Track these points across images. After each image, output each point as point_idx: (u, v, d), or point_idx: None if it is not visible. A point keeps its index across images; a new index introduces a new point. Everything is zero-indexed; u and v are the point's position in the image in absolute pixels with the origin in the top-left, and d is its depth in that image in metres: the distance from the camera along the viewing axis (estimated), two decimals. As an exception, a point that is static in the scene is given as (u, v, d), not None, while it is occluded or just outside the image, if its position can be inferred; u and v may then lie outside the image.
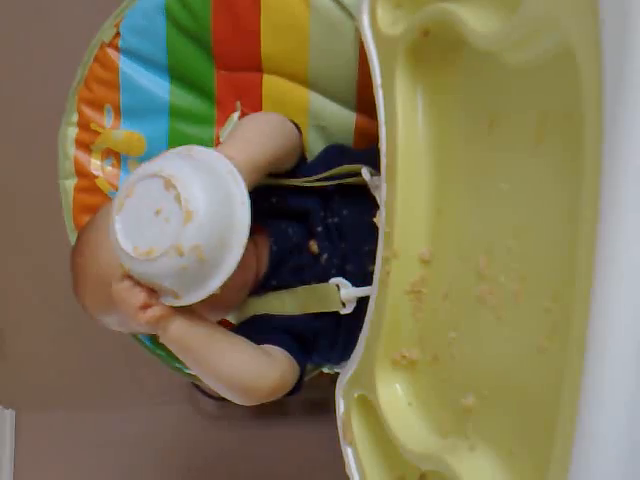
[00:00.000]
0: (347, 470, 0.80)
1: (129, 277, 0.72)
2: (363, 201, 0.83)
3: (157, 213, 0.69)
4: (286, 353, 0.83)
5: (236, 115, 0.94)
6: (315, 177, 0.87)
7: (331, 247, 0.86)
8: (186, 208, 0.68)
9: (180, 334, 0.74)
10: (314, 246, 0.87)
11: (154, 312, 0.72)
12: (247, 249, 0.72)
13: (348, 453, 0.80)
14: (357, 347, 0.80)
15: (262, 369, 0.79)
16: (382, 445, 0.75)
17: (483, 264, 0.62)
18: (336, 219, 0.87)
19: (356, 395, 0.79)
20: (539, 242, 0.55)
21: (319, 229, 0.87)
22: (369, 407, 0.76)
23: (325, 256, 0.86)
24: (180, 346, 0.76)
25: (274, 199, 0.89)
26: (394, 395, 0.73)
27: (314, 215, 0.88)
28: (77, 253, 0.87)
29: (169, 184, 0.69)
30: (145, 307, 0.72)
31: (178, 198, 0.68)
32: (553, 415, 0.46)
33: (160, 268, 0.70)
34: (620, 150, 0.42)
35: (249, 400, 0.80)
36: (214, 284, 0.72)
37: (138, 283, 0.72)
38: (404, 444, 0.68)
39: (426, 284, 0.71)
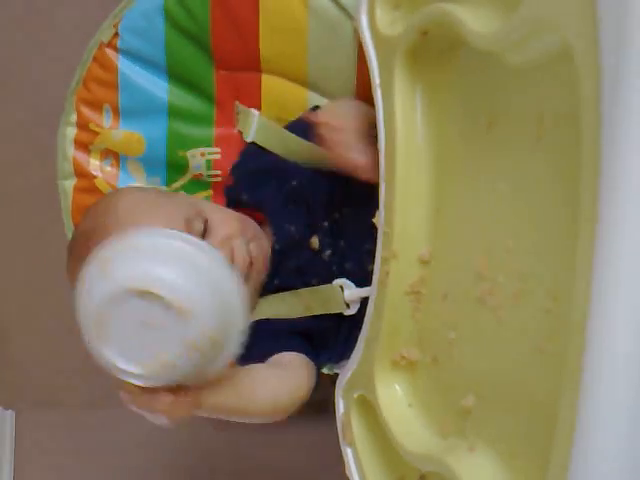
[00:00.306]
0: (347, 471, 0.80)
1: (143, 388, 0.68)
2: (365, 200, 0.83)
3: (148, 325, 0.64)
4: (302, 356, 0.84)
5: (255, 113, 0.95)
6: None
7: (333, 244, 0.86)
8: (180, 309, 0.63)
9: (212, 404, 0.72)
10: (315, 242, 0.87)
11: (187, 405, 0.70)
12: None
13: (348, 454, 0.80)
14: (357, 347, 0.80)
15: (292, 386, 0.80)
16: (382, 446, 0.75)
17: (482, 264, 0.62)
18: (337, 215, 0.87)
19: (356, 396, 0.79)
20: (538, 242, 0.55)
21: (325, 224, 0.87)
22: (369, 408, 0.76)
23: (328, 252, 0.86)
24: (214, 412, 0.75)
25: (295, 182, 0.89)
26: (394, 396, 0.73)
27: (321, 209, 0.88)
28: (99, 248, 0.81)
29: (146, 294, 0.63)
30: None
31: (168, 304, 0.63)
32: (553, 415, 0.46)
33: (179, 369, 0.66)
34: (618, 150, 0.42)
35: (290, 413, 0.81)
36: (233, 348, 0.69)
37: (155, 388, 0.68)
38: (404, 445, 0.68)
39: (425, 285, 0.71)
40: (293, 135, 0.92)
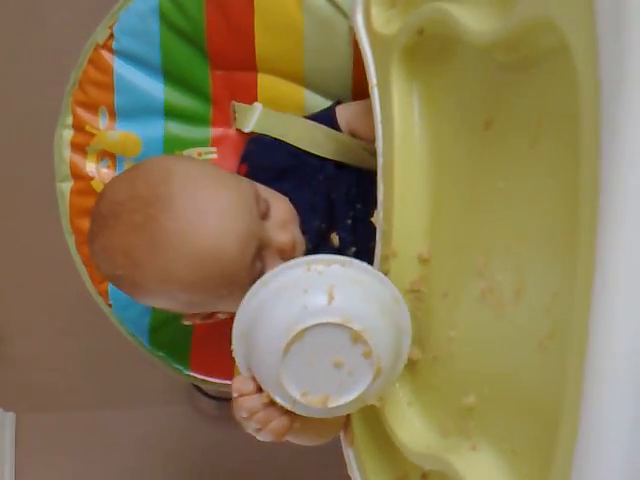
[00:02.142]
0: (349, 471, 0.79)
1: (268, 405, 0.69)
2: (373, 196, 0.83)
3: (336, 364, 0.64)
4: None
5: (259, 105, 0.94)
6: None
7: (354, 241, 0.86)
8: (378, 366, 0.64)
9: (301, 430, 0.73)
10: (335, 239, 0.87)
11: (293, 428, 0.71)
12: None
13: (349, 454, 0.80)
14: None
15: (341, 420, 0.80)
16: (383, 445, 0.75)
17: (482, 263, 0.62)
18: (352, 213, 0.87)
19: (356, 395, 0.79)
20: (538, 240, 0.55)
21: (348, 221, 0.87)
22: (370, 407, 0.76)
23: (353, 250, 0.86)
24: (296, 434, 0.75)
25: (320, 176, 0.89)
26: (394, 395, 0.73)
27: (343, 205, 0.88)
28: (168, 216, 0.74)
29: (358, 338, 0.63)
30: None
31: (369, 355, 0.63)
32: (555, 413, 0.46)
33: (329, 412, 0.67)
34: (618, 147, 0.42)
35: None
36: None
37: (275, 404, 0.69)
38: (405, 444, 0.68)
39: (425, 283, 0.71)
40: (300, 118, 0.92)
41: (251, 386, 0.69)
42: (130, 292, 0.80)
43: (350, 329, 0.62)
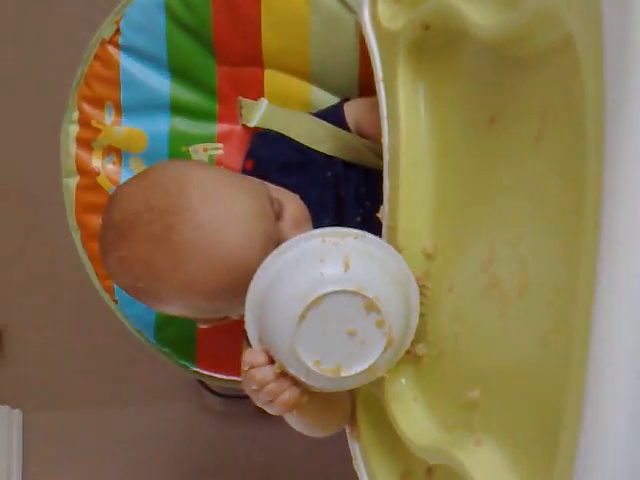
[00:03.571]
0: (354, 465, 0.80)
1: (284, 375, 0.70)
2: (381, 193, 0.83)
3: (350, 333, 0.65)
4: None
5: (265, 101, 0.94)
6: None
7: None
8: (390, 336, 0.66)
9: (309, 410, 0.74)
10: None
11: (302, 401, 0.71)
12: None
13: (355, 448, 0.80)
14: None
15: (348, 411, 0.81)
16: (389, 440, 0.75)
17: (486, 258, 0.62)
18: (361, 211, 0.87)
19: (362, 390, 0.79)
20: (542, 235, 0.55)
21: (358, 219, 0.88)
22: (375, 402, 0.76)
23: None
24: (304, 418, 0.76)
25: (329, 173, 0.90)
26: (400, 390, 0.73)
27: (352, 203, 0.88)
28: (189, 227, 0.73)
29: (372, 306, 0.65)
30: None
31: (381, 324, 0.65)
32: (559, 408, 0.46)
33: (341, 384, 0.68)
34: (623, 141, 0.42)
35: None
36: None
37: (286, 375, 0.70)
38: (410, 439, 0.68)
39: (430, 278, 0.71)
40: (305, 114, 0.92)
41: (262, 358, 0.70)
42: (151, 302, 0.80)
43: (365, 297, 0.64)
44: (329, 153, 0.90)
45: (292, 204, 0.83)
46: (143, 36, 0.92)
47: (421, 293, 0.71)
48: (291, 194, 0.85)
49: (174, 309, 0.80)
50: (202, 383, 1.43)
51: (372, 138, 0.89)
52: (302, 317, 0.64)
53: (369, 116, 0.88)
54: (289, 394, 0.70)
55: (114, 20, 0.91)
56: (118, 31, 0.91)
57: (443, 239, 0.71)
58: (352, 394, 0.81)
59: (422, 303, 0.72)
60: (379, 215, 0.77)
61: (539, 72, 0.56)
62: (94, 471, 1.53)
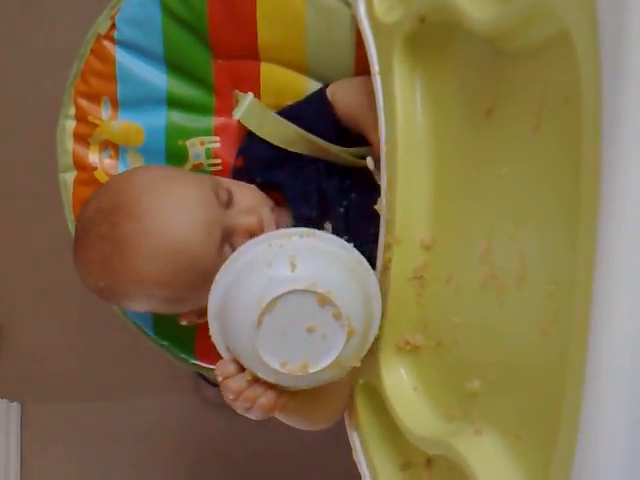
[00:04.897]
0: (354, 456, 0.80)
1: (253, 382, 0.71)
2: (368, 185, 0.83)
3: (310, 330, 0.67)
4: None
5: (250, 95, 0.94)
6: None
7: (346, 229, 0.86)
8: (349, 326, 0.67)
9: (290, 409, 0.75)
10: (328, 228, 0.88)
11: (281, 402, 0.73)
12: None
13: (354, 439, 0.80)
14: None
15: (345, 401, 0.82)
16: (388, 431, 0.76)
17: (484, 249, 0.62)
18: (346, 202, 0.88)
19: (361, 381, 0.80)
20: (540, 226, 0.55)
21: (341, 210, 0.88)
22: (374, 393, 0.76)
23: (345, 238, 0.87)
24: (287, 414, 0.77)
25: (312, 167, 0.91)
26: (399, 380, 0.73)
27: (335, 195, 0.88)
28: (130, 220, 0.77)
29: (326, 300, 0.66)
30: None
31: (338, 316, 0.66)
32: (558, 398, 0.46)
33: (311, 380, 0.69)
34: (618, 132, 0.42)
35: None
36: (349, 369, 0.72)
37: (258, 380, 0.71)
38: (410, 429, 0.68)
39: (428, 270, 0.71)
40: (281, 119, 0.92)
41: (232, 367, 0.72)
42: (117, 301, 0.84)
43: (316, 293, 0.65)
44: (304, 152, 0.91)
45: (244, 193, 0.85)
46: (139, 31, 0.92)
47: (419, 285, 0.72)
48: (246, 185, 0.89)
49: (140, 304, 0.84)
50: (201, 375, 1.43)
51: (357, 118, 0.90)
52: (259, 323, 0.66)
53: (354, 95, 0.90)
54: (265, 398, 0.72)
55: (110, 15, 0.91)
56: (114, 26, 0.91)
57: (441, 231, 0.71)
58: (350, 384, 0.81)
59: (420, 294, 0.72)
60: (377, 207, 0.78)
61: (535, 65, 0.56)
62: (93, 464, 1.54)
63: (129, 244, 0.77)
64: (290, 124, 0.91)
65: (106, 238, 0.78)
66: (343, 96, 0.91)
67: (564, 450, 0.45)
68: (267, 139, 0.92)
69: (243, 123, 0.95)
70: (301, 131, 0.91)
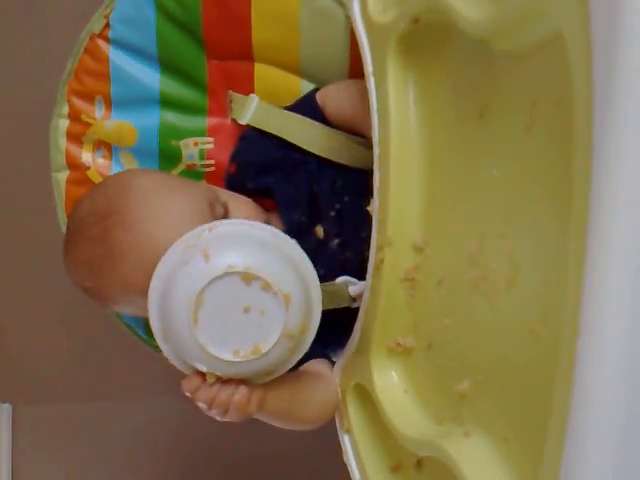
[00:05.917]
0: (345, 458, 0.80)
1: (217, 380, 0.71)
2: (361, 188, 0.83)
3: (246, 310, 0.67)
4: (325, 361, 0.86)
5: (255, 97, 0.94)
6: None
7: (339, 233, 0.86)
8: (281, 293, 0.67)
9: (270, 406, 0.75)
10: (320, 231, 0.87)
11: (253, 403, 0.72)
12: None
13: (345, 441, 0.80)
14: (352, 335, 0.80)
15: (332, 396, 0.82)
16: (379, 432, 0.76)
17: (475, 250, 0.62)
18: (338, 205, 0.88)
19: (352, 383, 0.80)
20: (530, 228, 0.55)
21: (332, 213, 0.88)
22: (365, 395, 0.76)
23: (336, 241, 0.87)
24: (269, 414, 0.77)
25: (302, 170, 0.90)
26: (390, 382, 0.73)
27: (327, 198, 0.88)
28: (119, 227, 0.78)
29: (249, 277, 0.66)
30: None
31: (267, 287, 0.67)
32: (547, 400, 0.46)
33: (270, 359, 0.69)
34: (610, 135, 0.42)
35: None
36: (310, 341, 0.72)
37: (226, 381, 0.71)
38: (400, 431, 0.68)
39: (420, 271, 0.71)
40: (297, 115, 0.92)
41: (196, 379, 0.71)
42: (103, 302, 0.84)
43: (235, 273, 0.66)
44: (319, 153, 0.91)
45: (240, 207, 0.86)
46: (133, 30, 0.91)
47: (410, 286, 0.72)
48: (242, 198, 0.89)
49: (121, 307, 0.86)
50: (192, 377, 1.43)
51: (351, 121, 0.90)
52: (195, 320, 0.66)
53: (345, 96, 0.90)
54: (238, 395, 0.71)
55: (104, 14, 0.90)
56: (108, 25, 0.91)
57: (433, 232, 0.71)
58: (334, 381, 0.82)
59: (411, 296, 0.72)
60: (369, 209, 0.78)
61: (528, 66, 0.56)
62: (84, 465, 1.53)
63: (119, 252, 0.78)
64: (314, 122, 0.91)
65: (97, 242, 0.79)
66: (334, 97, 0.91)
67: (553, 452, 0.45)
68: (291, 140, 0.91)
69: (256, 126, 0.94)
70: (322, 126, 0.91)
